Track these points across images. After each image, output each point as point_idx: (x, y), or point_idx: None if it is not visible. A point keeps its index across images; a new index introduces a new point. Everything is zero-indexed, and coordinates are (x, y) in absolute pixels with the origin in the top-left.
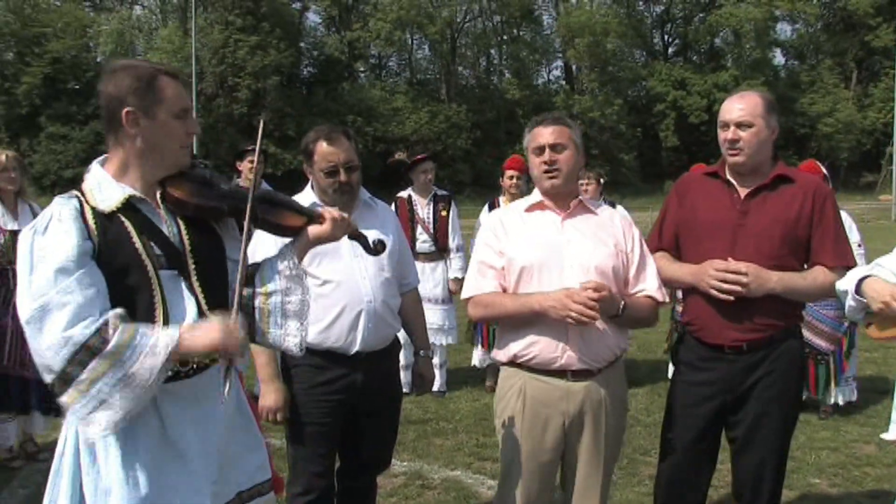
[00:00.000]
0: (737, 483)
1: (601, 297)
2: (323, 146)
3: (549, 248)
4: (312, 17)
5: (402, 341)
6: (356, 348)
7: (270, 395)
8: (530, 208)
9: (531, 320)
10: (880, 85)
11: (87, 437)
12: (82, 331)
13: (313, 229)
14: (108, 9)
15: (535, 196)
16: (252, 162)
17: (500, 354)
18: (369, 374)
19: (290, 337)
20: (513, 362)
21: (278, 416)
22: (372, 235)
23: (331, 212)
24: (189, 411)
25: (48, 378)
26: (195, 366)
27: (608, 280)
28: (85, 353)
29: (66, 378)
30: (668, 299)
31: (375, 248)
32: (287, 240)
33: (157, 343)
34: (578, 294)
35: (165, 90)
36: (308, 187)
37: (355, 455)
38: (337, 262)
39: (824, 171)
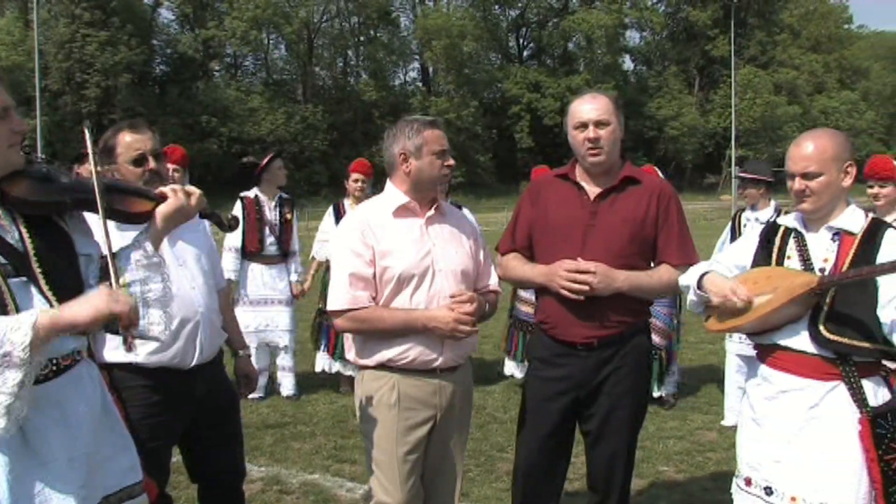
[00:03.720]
0: (591, 474)
1: (476, 310)
2: (126, 136)
3: (421, 253)
4: (165, 14)
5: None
6: (194, 362)
7: None
8: (398, 212)
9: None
10: (720, 92)
11: None
12: None
13: (161, 209)
14: None
15: (399, 197)
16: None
17: (366, 360)
18: (206, 386)
19: (153, 326)
20: (383, 365)
21: None
22: (186, 237)
23: (170, 186)
24: (51, 416)
25: None
26: (55, 367)
27: (469, 281)
28: None
29: None
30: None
31: (230, 224)
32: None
33: (19, 318)
34: (457, 311)
35: None
36: None
37: (210, 469)
38: None
39: (661, 174)
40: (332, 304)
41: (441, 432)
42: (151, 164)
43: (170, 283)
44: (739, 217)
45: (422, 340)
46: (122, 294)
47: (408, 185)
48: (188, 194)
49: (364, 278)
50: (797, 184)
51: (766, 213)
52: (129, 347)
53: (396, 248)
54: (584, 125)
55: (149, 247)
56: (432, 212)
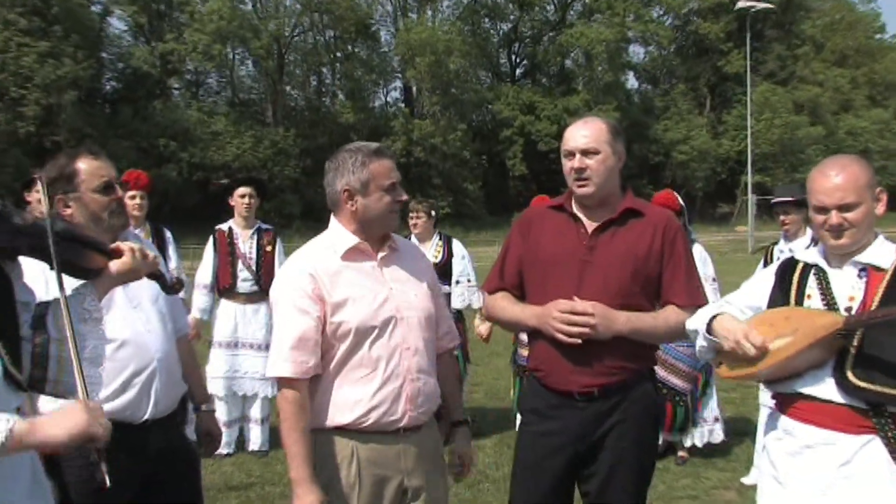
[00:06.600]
0: None
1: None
2: (89, 161)
3: (379, 301)
4: (116, 24)
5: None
6: (148, 415)
7: None
8: (347, 255)
9: (366, 381)
10: (733, 112)
11: None
12: None
13: (115, 265)
14: None
15: (347, 238)
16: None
17: (316, 423)
18: (161, 442)
19: (88, 385)
20: (339, 428)
21: None
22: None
23: (128, 244)
24: None
25: None
26: None
27: (432, 327)
28: None
29: None
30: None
31: (173, 287)
32: None
33: None
34: None
35: None
36: None
37: None
38: (114, 315)
39: (681, 202)
40: (274, 368)
41: (415, 495)
42: (119, 192)
43: (105, 340)
44: (771, 252)
45: (382, 396)
46: (100, 413)
47: (355, 224)
48: (144, 256)
49: (312, 340)
50: (834, 218)
51: (801, 244)
52: (101, 476)
53: (351, 299)
54: (571, 153)
55: (91, 301)
56: (386, 251)
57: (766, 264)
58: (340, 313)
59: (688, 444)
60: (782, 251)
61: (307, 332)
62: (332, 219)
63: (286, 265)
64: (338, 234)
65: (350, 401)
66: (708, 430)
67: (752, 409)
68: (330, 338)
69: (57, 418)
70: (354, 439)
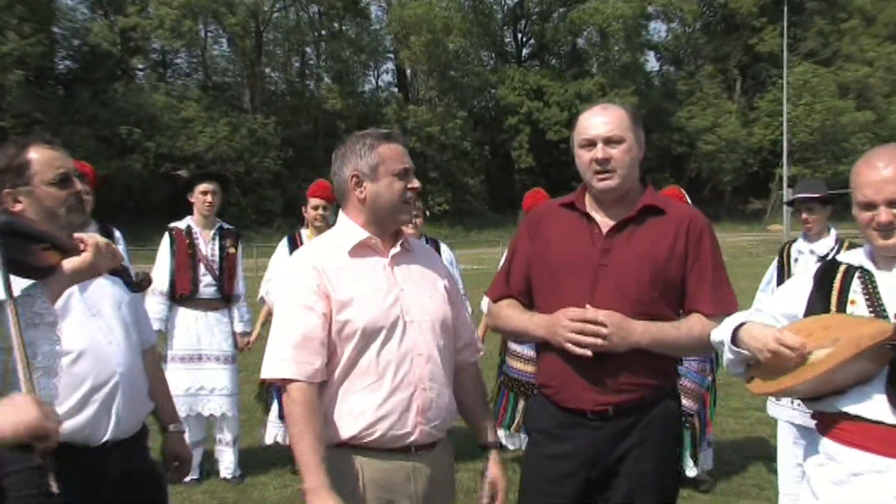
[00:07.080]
0: None
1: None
2: (42, 151)
3: (388, 301)
4: None
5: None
6: (108, 436)
7: None
8: (355, 250)
9: (372, 389)
10: (767, 96)
11: None
12: None
13: (71, 263)
14: None
15: (356, 232)
16: None
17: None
18: (123, 467)
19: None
20: (343, 444)
21: None
22: (102, 279)
23: (92, 236)
24: None
25: None
26: None
27: (448, 334)
28: None
29: None
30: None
31: (140, 284)
32: None
33: None
34: None
35: None
36: None
37: None
38: (71, 323)
39: (688, 200)
40: (274, 370)
41: None
42: (77, 185)
43: (59, 345)
44: (788, 250)
45: (391, 408)
46: (51, 411)
47: (364, 215)
48: (107, 248)
49: (318, 339)
50: (884, 215)
51: (825, 245)
52: (49, 484)
53: (357, 297)
54: (591, 143)
55: (43, 303)
56: (397, 248)
57: (780, 264)
58: (346, 312)
59: (705, 469)
60: (801, 252)
61: (313, 330)
62: (341, 213)
63: (290, 261)
64: (345, 229)
65: (354, 411)
66: (708, 454)
67: None
68: (334, 338)
69: (4, 409)
70: (359, 456)
